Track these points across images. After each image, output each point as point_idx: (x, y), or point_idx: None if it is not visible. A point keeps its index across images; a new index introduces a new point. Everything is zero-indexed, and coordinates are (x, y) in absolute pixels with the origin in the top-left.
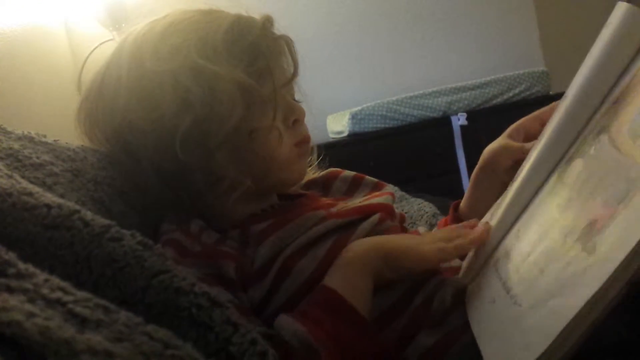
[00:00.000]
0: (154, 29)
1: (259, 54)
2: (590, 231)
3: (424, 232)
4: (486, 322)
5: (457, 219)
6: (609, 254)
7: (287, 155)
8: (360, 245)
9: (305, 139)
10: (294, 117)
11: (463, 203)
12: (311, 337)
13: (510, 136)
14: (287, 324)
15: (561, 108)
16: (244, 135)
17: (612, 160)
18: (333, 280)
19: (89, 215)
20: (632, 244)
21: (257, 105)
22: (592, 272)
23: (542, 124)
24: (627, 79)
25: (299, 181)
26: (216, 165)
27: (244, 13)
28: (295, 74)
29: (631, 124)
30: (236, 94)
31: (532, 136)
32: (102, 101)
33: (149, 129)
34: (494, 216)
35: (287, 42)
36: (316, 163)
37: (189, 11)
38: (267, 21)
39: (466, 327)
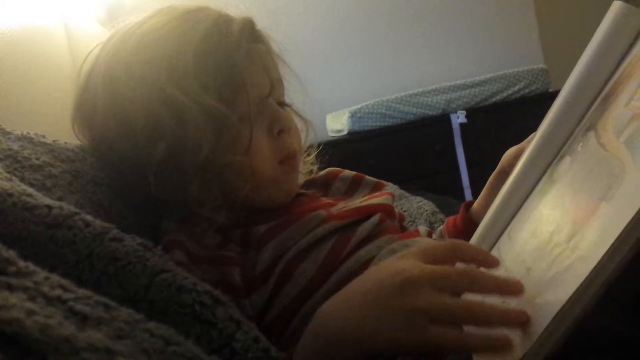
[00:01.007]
0: (127, 41)
1: (232, 70)
2: (573, 229)
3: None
4: None
5: (468, 219)
6: (589, 251)
7: (271, 175)
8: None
9: (291, 154)
10: (278, 127)
11: (477, 204)
12: None
13: (530, 141)
14: None
15: (554, 107)
16: (217, 168)
17: (596, 157)
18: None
19: (89, 217)
20: (610, 241)
21: (229, 132)
22: (573, 270)
23: None
24: (616, 75)
25: (289, 197)
26: (190, 198)
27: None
28: (272, 88)
29: (615, 120)
30: (205, 126)
31: None
32: (84, 114)
33: (128, 153)
34: (486, 217)
35: (262, 54)
36: (315, 160)
37: (168, 14)
38: (244, 28)
39: None
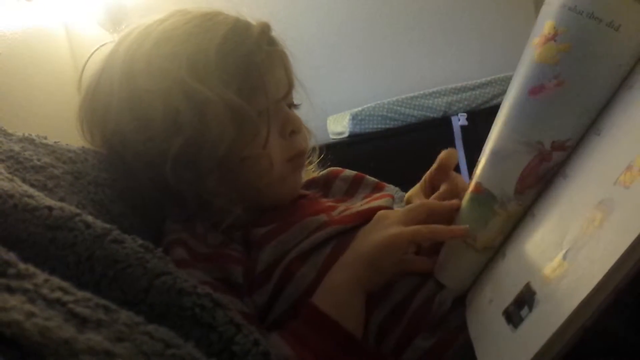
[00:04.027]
0: (147, 38)
1: (252, 69)
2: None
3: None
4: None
5: None
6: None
7: (279, 172)
8: (346, 266)
9: (300, 153)
10: (290, 128)
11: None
12: None
13: None
14: (279, 347)
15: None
16: (235, 162)
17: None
18: (325, 302)
19: (90, 218)
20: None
21: (249, 127)
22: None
23: None
24: None
25: (294, 194)
26: (206, 191)
27: (244, 12)
28: (289, 90)
29: None
30: (226, 119)
31: None
32: (95, 111)
33: (142, 147)
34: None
35: (282, 56)
36: (316, 163)
37: (185, 16)
38: (263, 31)
39: (464, 327)
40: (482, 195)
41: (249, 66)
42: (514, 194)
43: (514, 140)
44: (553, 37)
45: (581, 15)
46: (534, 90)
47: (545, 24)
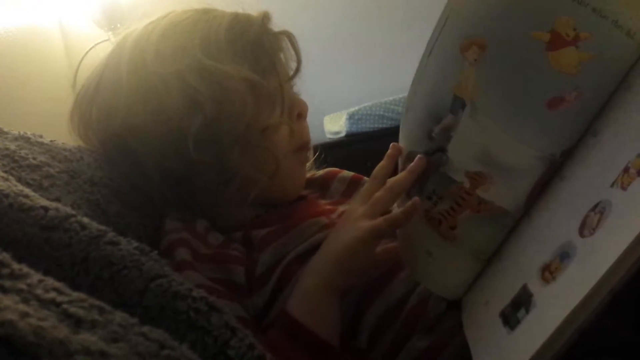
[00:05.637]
0: (153, 31)
1: (261, 51)
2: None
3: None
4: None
5: None
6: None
7: (286, 163)
8: (316, 271)
9: (305, 144)
10: (298, 110)
11: None
12: None
13: None
14: None
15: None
16: (257, 133)
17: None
18: (298, 309)
19: (85, 219)
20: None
21: (265, 102)
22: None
23: None
24: None
25: (298, 190)
26: (230, 164)
27: (240, 11)
28: (299, 67)
29: None
30: (246, 92)
31: None
32: (97, 106)
33: (155, 133)
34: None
35: (289, 36)
36: (312, 162)
37: (186, 11)
38: (265, 17)
39: (459, 328)
40: (496, 214)
41: (258, 48)
42: (524, 206)
43: (531, 156)
44: (574, 41)
45: (606, 20)
46: (554, 102)
47: (555, 18)
